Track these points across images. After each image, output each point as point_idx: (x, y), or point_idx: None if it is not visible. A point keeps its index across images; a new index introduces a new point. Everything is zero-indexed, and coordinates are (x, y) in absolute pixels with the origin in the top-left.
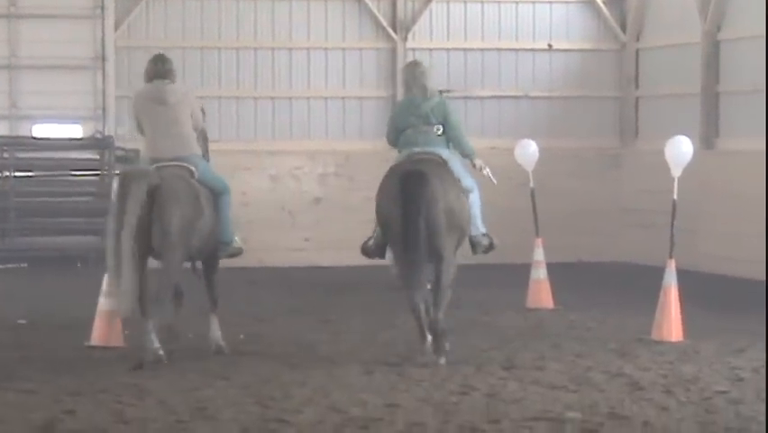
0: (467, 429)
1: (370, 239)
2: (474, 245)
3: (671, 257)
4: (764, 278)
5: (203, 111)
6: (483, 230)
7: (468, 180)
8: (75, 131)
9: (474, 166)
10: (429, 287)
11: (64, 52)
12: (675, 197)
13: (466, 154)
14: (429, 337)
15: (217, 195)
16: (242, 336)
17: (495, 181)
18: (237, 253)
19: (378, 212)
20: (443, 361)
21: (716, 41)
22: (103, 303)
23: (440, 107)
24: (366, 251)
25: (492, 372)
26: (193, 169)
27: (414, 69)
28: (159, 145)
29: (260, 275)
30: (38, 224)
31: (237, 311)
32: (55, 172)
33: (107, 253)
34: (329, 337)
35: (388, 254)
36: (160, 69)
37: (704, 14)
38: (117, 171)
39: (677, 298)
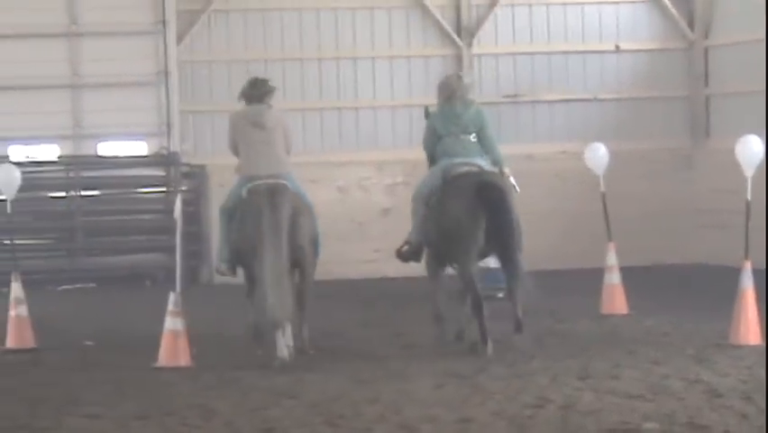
0: None
1: (405, 244)
2: None
3: (746, 258)
4: None
5: None
6: None
7: None
8: (140, 148)
9: (503, 174)
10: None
11: (126, 69)
12: (749, 197)
13: (497, 162)
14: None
15: None
16: (311, 352)
17: (518, 190)
18: None
19: (442, 219)
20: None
21: None
22: (170, 322)
23: (478, 118)
24: (402, 255)
25: (567, 382)
26: (288, 183)
27: (458, 82)
28: (256, 164)
29: (330, 288)
30: (105, 243)
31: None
32: (121, 190)
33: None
34: (399, 351)
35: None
36: (258, 92)
37: None
38: (184, 188)
39: (754, 300)
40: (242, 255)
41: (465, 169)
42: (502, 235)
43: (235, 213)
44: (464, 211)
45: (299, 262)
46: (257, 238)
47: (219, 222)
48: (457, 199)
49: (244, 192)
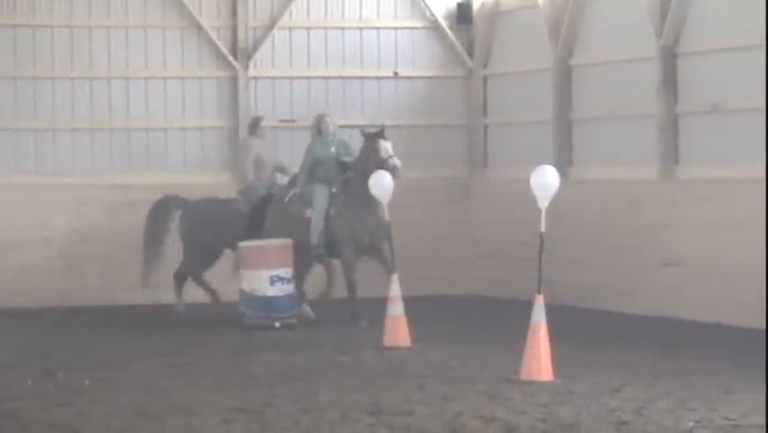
0: None
1: None
2: None
3: (539, 293)
4: (616, 309)
5: None
6: None
7: None
8: None
9: None
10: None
11: None
12: (543, 229)
13: None
14: None
15: None
16: (87, 383)
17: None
18: None
19: None
20: None
21: (568, 66)
22: None
23: None
24: None
25: (359, 418)
26: None
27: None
28: None
29: (106, 315)
30: None
31: (79, 354)
32: None
33: None
34: (183, 383)
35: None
36: None
37: (555, 40)
38: None
39: (546, 336)
40: None
41: None
42: None
43: None
44: None
45: None
46: None
47: None
48: None
49: None
